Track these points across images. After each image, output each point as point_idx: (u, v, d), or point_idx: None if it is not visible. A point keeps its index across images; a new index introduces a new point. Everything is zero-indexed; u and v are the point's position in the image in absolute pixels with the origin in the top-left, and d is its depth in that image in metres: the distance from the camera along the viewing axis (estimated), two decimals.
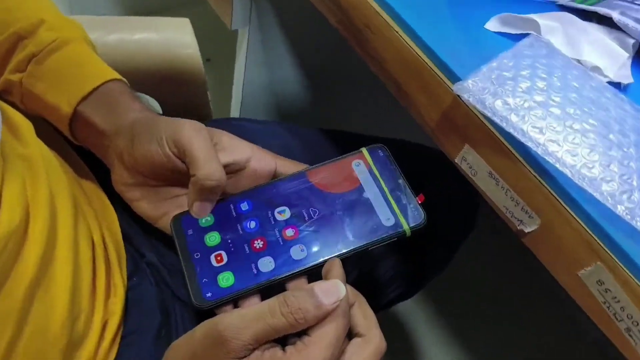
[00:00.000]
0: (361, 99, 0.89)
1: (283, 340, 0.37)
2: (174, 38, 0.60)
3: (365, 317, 0.38)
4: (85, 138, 0.48)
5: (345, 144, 0.63)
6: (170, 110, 0.53)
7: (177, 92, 0.62)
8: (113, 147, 0.45)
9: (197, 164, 0.40)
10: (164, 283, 0.49)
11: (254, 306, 0.36)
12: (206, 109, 0.65)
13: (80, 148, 0.51)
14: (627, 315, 0.33)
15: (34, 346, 0.36)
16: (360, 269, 0.57)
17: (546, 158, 0.35)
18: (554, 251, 0.37)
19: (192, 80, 0.62)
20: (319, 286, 0.36)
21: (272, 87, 0.81)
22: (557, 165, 0.34)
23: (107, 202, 0.50)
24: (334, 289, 0.36)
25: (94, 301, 0.42)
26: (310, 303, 0.35)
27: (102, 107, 0.47)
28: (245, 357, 0.34)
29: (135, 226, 0.50)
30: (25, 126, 0.43)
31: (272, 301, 0.35)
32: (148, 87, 0.57)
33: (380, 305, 0.66)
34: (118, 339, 0.44)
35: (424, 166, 0.60)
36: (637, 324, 0.33)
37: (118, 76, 0.49)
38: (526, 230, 0.38)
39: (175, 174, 0.43)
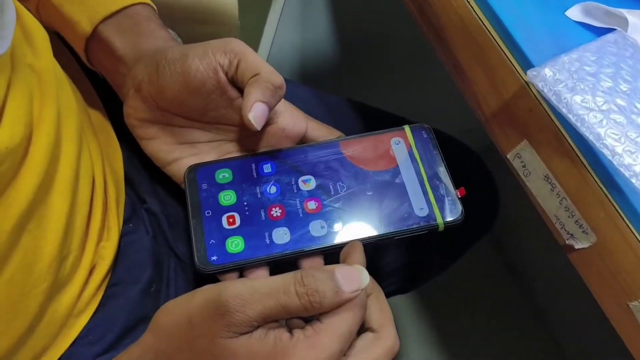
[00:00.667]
0: (396, 75, 0.84)
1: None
2: None
3: (381, 311, 0.34)
4: (101, 62, 0.44)
5: (373, 119, 0.59)
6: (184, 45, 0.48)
7: (204, 33, 0.58)
8: (131, 75, 0.40)
9: (257, 65, 0.37)
10: (162, 234, 0.45)
11: (265, 279, 0.31)
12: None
13: (92, 74, 0.46)
14: None
15: (17, 283, 0.32)
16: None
17: (620, 170, 0.30)
18: (605, 275, 0.33)
19: (223, 22, 0.57)
20: (340, 270, 0.31)
21: (302, 47, 0.76)
22: (633, 180, 0.30)
23: (114, 137, 0.46)
24: (357, 276, 0.31)
25: (85, 242, 0.38)
26: (330, 287, 0.30)
27: (125, 31, 0.42)
28: (246, 333, 0.30)
29: (139, 168, 0.46)
30: (42, 36, 0.38)
31: (287, 277, 0.31)
32: (175, 22, 0.52)
33: None
34: (103, 287, 0.40)
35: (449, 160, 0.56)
36: None
37: (147, 0, 0.44)
38: (576, 247, 0.34)
39: (208, 104, 0.39)
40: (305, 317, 0.32)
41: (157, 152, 0.41)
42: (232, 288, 0.30)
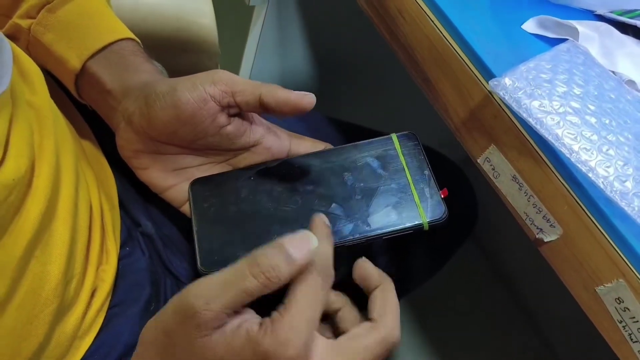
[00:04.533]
0: (371, 93, 0.88)
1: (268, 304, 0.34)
2: (191, 5, 0.57)
3: (384, 302, 0.37)
4: (90, 96, 0.46)
5: (352, 135, 0.62)
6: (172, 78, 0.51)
7: (186, 61, 0.60)
8: (122, 108, 0.42)
9: (254, 87, 0.40)
10: (157, 255, 0.47)
11: (221, 271, 0.32)
12: None
13: (82, 107, 0.49)
14: None
15: (27, 306, 0.34)
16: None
17: (578, 166, 0.34)
18: (572, 264, 0.35)
19: (204, 50, 0.59)
20: (288, 240, 0.32)
21: (282, 69, 0.79)
22: (589, 175, 0.33)
23: (107, 165, 0.48)
24: (304, 241, 0.33)
25: (86, 266, 0.40)
26: (281, 259, 0.32)
27: (112, 66, 0.44)
28: (219, 327, 0.31)
29: (132, 193, 0.48)
30: (36, 73, 0.40)
31: (241, 263, 0.32)
32: (157, 52, 0.54)
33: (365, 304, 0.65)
34: (105, 308, 0.42)
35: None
36: None
37: (132, 35, 0.46)
38: (545, 240, 0.37)
39: (198, 133, 0.41)
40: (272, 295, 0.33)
41: (152, 180, 0.43)
42: (193, 289, 0.31)
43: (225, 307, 0.31)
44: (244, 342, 0.31)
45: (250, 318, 0.33)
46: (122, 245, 0.45)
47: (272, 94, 0.40)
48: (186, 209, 0.44)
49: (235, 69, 0.79)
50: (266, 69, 0.78)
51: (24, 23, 0.45)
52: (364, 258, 0.40)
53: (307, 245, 0.33)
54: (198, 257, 0.39)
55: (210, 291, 0.31)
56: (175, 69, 0.55)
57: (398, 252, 0.62)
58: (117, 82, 0.43)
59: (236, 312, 0.32)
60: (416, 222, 0.40)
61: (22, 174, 0.33)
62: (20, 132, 0.34)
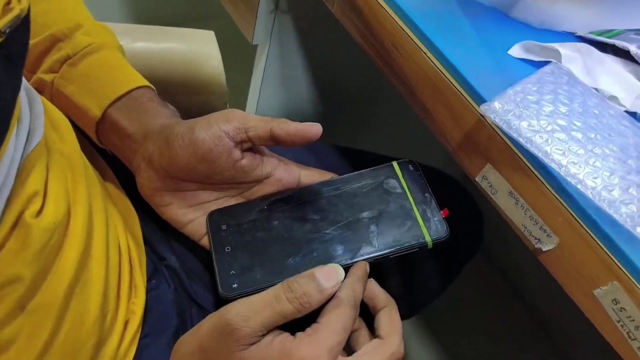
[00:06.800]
0: (373, 120, 0.91)
1: (291, 329, 0.38)
2: (198, 50, 0.61)
3: (390, 322, 0.40)
4: (111, 140, 0.49)
5: (359, 161, 0.65)
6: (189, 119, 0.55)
7: (197, 102, 0.64)
8: (142, 151, 0.46)
9: (265, 123, 0.43)
10: (182, 287, 0.50)
11: (259, 294, 0.37)
12: None
13: (102, 152, 0.52)
14: None
15: (70, 341, 0.37)
16: None
17: (568, 179, 0.36)
18: (570, 270, 0.38)
19: (213, 92, 0.63)
20: (319, 271, 0.38)
21: (287, 103, 0.82)
22: (579, 187, 0.36)
23: (130, 204, 0.51)
24: (333, 273, 0.38)
25: (118, 301, 0.43)
26: (313, 287, 0.37)
27: (131, 112, 0.48)
28: (254, 343, 0.35)
29: (155, 229, 0.51)
30: (64, 123, 0.44)
31: (277, 288, 0.37)
32: (170, 95, 0.58)
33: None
34: (137, 339, 0.44)
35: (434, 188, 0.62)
36: None
37: (147, 83, 0.50)
38: (544, 249, 0.39)
39: (215, 168, 0.44)
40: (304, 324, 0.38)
41: (173, 217, 0.46)
42: (233, 308, 0.36)
43: (262, 325, 0.35)
44: (278, 353, 0.35)
45: (282, 333, 0.36)
46: (149, 279, 0.48)
47: (282, 126, 0.43)
48: (206, 241, 0.47)
49: (241, 104, 0.83)
50: (271, 103, 0.81)
51: (48, 77, 0.49)
52: (372, 279, 0.43)
53: (335, 277, 0.38)
54: (219, 283, 0.43)
55: (249, 311, 0.35)
56: (188, 110, 0.59)
57: (408, 273, 0.64)
58: (137, 127, 0.47)
59: (269, 331, 0.36)
60: (420, 241, 0.43)
61: (61, 218, 0.36)
62: (56, 180, 0.38)
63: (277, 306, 0.36)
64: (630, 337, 0.35)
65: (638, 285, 0.34)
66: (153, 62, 0.60)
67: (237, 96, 0.84)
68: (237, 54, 0.86)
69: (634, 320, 0.35)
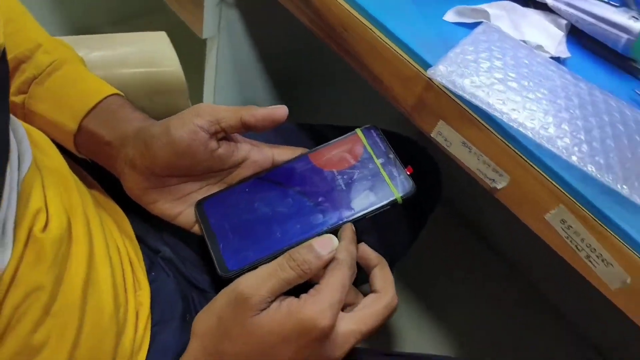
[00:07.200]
0: (331, 96, 0.96)
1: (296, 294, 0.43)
2: (154, 51, 0.64)
3: (384, 277, 0.46)
4: (90, 150, 0.52)
5: (324, 134, 0.69)
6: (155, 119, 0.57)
7: (161, 103, 0.66)
8: (122, 156, 0.49)
9: (234, 112, 0.47)
10: (180, 274, 0.53)
11: (264, 266, 0.42)
12: None
13: (81, 161, 0.54)
14: (586, 245, 0.41)
15: (94, 336, 0.41)
16: None
17: (510, 124, 0.42)
18: (523, 201, 0.44)
19: (174, 91, 0.66)
20: (316, 241, 0.43)
21: (244, 93, 0.85)
22: (520, 129, 0.41)
23: (117, 207, 0.54)
24: (328, 242, 0.44)
25: (126, 294, 0.46)
26: (312, 255, 0.42)
27: (105, 120, 0.50)
28: (264, 309, 0.40)
29: (145, 226, 0.54)
30: (44, 140, 0.46)
31: (280, 259, 0.42)
32: (133, 100, 0.60)
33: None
34: (149, 328, 0.48)
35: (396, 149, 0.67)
36: (595, 251, 0.41)
37: (116, 91, 0.53)
38: (498, 187, 0.45)
39: (194, 161, 0.48)
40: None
41: (163, 211, 0.50)
42: (243, 281, 0.41)
43: (270, 292, 0.40)
44: (286, 314, 0.40)
45: (288, 297, 0.41)
46: (148, 272, 0.51)
47: (251, 113, 0.47)
48: (197, 229, 0.50)
49: (198, 99, 0.86)
50: (228, 95, 0.84)
51: (18, 99, 0.51)
52: (363, 243, 0.48)
53: (330, 245, 0.44)
54: (216, 266, 0.47)
55: (257, 281, 0.41)
56: (153, 112, 0.61)
57: (382, 230, 0.70)
58: (114, 134, 0.49)
59: (277, 297, 0.41)
60: (391, 199, 0.48)
61: (65, 229, 0.40)
62: (52, 194, 0.41)
63: (282, 274, 0.41)
64: (578, 249, 0.41)
65: (579, 205, 0.40)
66: (113, 69, 0.63)
67: (194, 92, 0.87)
68: (188, 50, 0.89)
69: (579, 234, 0.41)
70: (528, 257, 1.12)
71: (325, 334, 0.40)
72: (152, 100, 0.65)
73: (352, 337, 0.43)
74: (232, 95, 0.84)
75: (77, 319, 0.39)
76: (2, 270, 0.35)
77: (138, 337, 0.46)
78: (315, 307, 0.40)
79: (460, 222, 1.22)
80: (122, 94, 0.53)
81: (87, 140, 0.51)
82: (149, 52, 0.64)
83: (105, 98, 0.51)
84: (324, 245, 0.43)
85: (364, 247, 0.49)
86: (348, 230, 0.46)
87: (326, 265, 0.43)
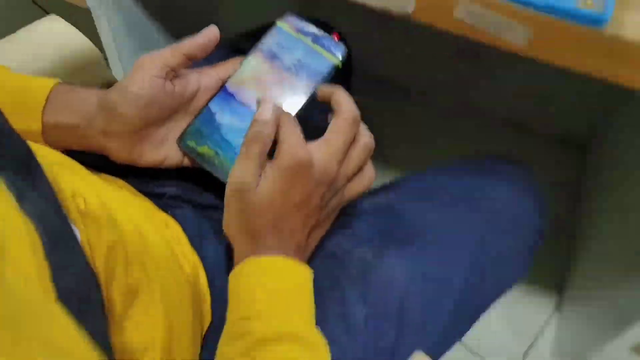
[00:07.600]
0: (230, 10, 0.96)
1: None
2: (58, 33, 0.65)
3: (337, 98, 0.52)
4: (61, 140, 0.53)
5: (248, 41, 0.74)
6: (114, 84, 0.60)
7: (85, 78, 0.69)
8: (93, 133, 0.52)
9: (176, 50, 0.52)
10: (190, 202, 0.60)
11: (237, 158, 0.49)
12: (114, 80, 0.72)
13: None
14: (491, 21, 0.50)
15: (171, 294, 0.48)
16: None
17: None
18: (432, 10, 0.51)
19: (94, 62, 0.68)
20: (256, 115, 0.50)
21: (149, 47, 0.87)
22: None
23: (117, 178, 0.58)
24: (264, 106, 0.50)
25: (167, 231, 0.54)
26: (259, 125, 0.49)
27: (63, 108, 0.52)
28: (258, 184, 0.48)
29: (143, 182, 0.59)
30: (30, 142, 0.49)
31: (242, 145, 0.50)
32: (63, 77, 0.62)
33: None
34: (195, 253, 0.56)
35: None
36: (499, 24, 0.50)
37: (55, 80, 0.54)
38: (410, 10, 0.53)
39: (160, 107, 0.52)
40: None
41: (151, 161, 0.54)
42: (231, 179, 0.49)
43: (252, 171, 0.48)
44: (272, 172, 0.48)
45: (268, 163, 0.49)
46: (170, 214, 0.58)
47: (190, 45, 0.52)
48: (187, 161, 0.56)
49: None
50: (132, 56, 0.86)
51: None
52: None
53: (266, 107, 0.50)
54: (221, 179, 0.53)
55: (240, 170, 0.48)
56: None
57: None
58: (76, 116, 0.52)
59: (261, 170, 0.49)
60: (332, 65, 0.54)
61: (103, 203, 0.46)
62: (71, 180, 0.45)
63: (250, 154, 0.48)
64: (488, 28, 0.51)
65: None
66: (30, 67, 0.64)
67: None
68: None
69: (484, 15, 0.50)
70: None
71: (308, 161, 0.47)
72: (77, 78, 0.68)
73: (329, 155, 0.49)
74: (138, 56, 0.86)
75: (155, 268, 0.46)
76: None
77: (193, 262, 0.54)
78: (285, 153, 0.47)
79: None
80: (60, 80, 0.55)
81: (55, 133, 0.53)
82: (54, 36, 0.65)
83: (51, 90, 0.53)
84: (263, 111, 0.49)
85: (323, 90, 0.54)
86: (325, 88, 0.53)
87: (277, 123, 0.49)
